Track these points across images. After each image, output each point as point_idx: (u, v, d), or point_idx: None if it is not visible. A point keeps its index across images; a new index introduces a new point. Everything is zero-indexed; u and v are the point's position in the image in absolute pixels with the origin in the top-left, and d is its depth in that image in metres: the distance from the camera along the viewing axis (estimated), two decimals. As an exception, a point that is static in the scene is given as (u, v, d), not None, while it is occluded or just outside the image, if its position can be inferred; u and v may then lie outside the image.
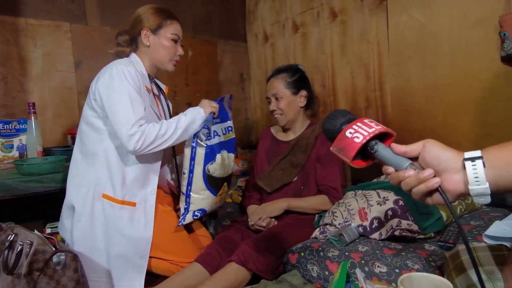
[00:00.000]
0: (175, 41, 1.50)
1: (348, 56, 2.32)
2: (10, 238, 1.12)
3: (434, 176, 0.62)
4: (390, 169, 0.67)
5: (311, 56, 2.57)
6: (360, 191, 1.52)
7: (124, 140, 1.29)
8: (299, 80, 1.69)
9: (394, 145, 0.67)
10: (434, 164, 0.63)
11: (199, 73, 2.84)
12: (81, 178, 1.41)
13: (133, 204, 1.41)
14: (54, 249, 1.05)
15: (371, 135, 0.66)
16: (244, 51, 3.09)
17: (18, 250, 1.08)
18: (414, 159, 0.66)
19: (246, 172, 2.60)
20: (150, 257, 1.43)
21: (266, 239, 1.39)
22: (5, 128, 1.71)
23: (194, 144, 1.45)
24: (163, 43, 1.48)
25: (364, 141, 0.66)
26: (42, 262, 1.03)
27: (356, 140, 0.67)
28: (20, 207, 1.84)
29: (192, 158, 1.45)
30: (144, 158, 1.41)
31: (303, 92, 1.69)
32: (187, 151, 1.46)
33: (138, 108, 1.32)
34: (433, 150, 0.63)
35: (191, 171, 1.46)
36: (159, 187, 1.53)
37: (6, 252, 1.12)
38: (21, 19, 2.05)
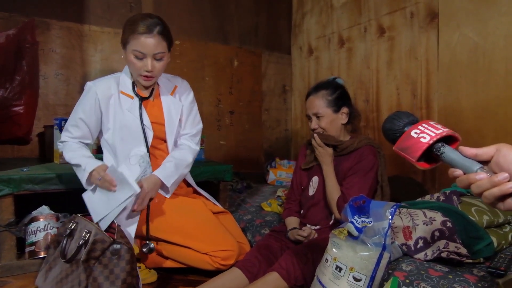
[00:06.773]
0: (138, 57, 1.46)
1: (395, 72, 2.30)
2: (71, 226, 1.20)
3: (509, 181, 0.60)
4: (458, 172, 0.66)
5: (356, 71, 2.56)
6: (404, 210, 1.49)
7: None
8: (340, 97, 1.63)
9: (463, 148, 0.66)
10: (510, 169, 0.61)
11: (243, 82, 2.92)
12: None
13: None
14: (111, 239, 1.12)
15: (438, 136, 0.66)
16: (288, 63, 3.14)
17: (79, 237, 1.15)
18: (484, 162, 0.65)
19: (284, 183, 2.61)
20: (181, 246, 1.50)
21: (307, 251, 1.39)
22: (66, 125, 1.84)
23: (382, 243, 1.11)
24: (128, 58, 1.48)
25: (431, 141, 0.66)
26: (99, 251, 1.10)
27: (422, 140, 0.66)
28: (75, 200, 1.95)
29: (377, 264, 1.12)
30: None
31: (345, 109, 1.63)
32: (365, 251, 1.12)
33: (71, 121, 1.54)
34: (511, 155, 0.62)
35: (372, 278, 1.12)
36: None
37: (65, 240, 1.20)
38: (86, 25, 2.21)
